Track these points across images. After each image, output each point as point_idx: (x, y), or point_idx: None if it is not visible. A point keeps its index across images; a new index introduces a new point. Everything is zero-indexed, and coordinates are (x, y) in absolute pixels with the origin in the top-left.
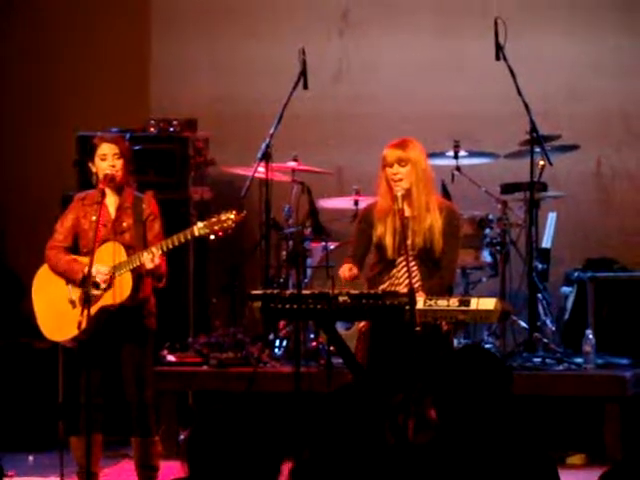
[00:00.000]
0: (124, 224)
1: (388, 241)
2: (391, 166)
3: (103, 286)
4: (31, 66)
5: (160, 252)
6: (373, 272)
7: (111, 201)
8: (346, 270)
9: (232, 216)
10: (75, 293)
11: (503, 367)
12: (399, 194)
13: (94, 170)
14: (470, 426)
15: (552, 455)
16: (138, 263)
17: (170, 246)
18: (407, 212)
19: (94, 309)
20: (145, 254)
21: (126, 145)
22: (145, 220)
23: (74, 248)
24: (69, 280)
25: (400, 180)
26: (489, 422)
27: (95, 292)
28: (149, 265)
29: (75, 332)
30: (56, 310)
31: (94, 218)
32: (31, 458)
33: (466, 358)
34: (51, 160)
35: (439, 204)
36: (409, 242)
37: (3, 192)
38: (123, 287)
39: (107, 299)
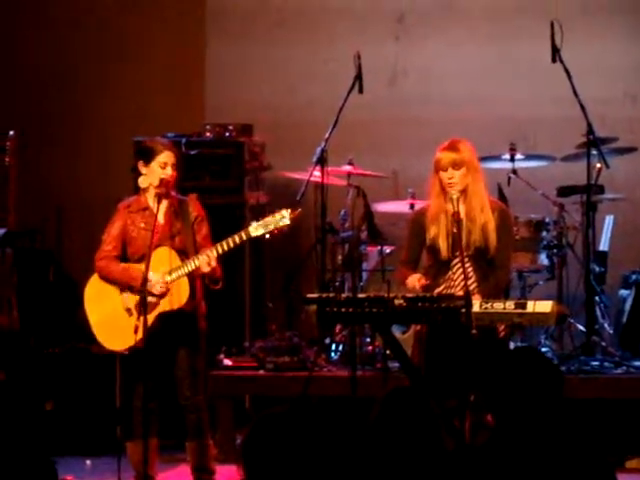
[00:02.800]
0: (174, 228)
1: (442, 242)
2: (445, 170)
3: (158, 292)
4: (89, 70)
5: (216, 255)
6: (427, 276)
7: (157, 207)
8: (416, 280)
9: (286, 214)
10: (131, 301)
11: (554, 369)
12: (454, 196)
13: (144, 172)
14: (523, 428)
15: (610, 459)
16: (193, 267)
17: (225, 248)
18: (461, 213)
19: (152, 316)
20: (201, 257)
21: (179, 155)
22: (193, 223)
23: (122, 257)
24: (125, 288)
25: (455, 183)
26: (541, 424)
27: (151, 299)
28: (206, 268)
29: (133, 340)
30: (113, 320)
31: (142, 225)
32: (89, 462)
33: (518, 360)
34: (107, 166)
35: (491, 204)
36: (464, 242)
37: (60, 198)
38: (181, 292)
39: (165, 305)
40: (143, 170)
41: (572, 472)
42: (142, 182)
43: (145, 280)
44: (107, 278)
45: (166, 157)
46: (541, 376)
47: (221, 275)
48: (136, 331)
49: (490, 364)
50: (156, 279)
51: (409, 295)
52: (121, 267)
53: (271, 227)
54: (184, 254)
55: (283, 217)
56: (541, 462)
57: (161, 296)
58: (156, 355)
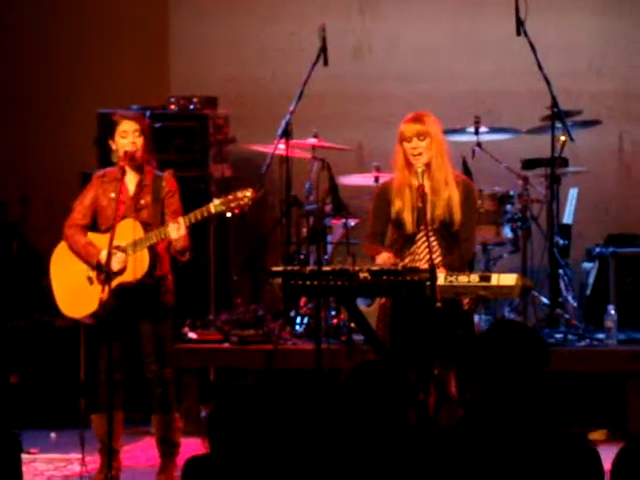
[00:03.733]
0: (142, 201)
1: (407, 216)
2: (410, 140)
3: (117, 269)
4: (50, 45)
5: (186, 223)
6: (393, 249)
7: (130, 179)
8: (386, 259)
9: (249, 194)
10: (92, 270)
11: (541, 343)
12: (419, 170)
13: (114, 147)
14: (505, 405)
15: (575, 431)
16: (157, 239)
17: (187, 223)
18: (425, 187)
19: (112, 285)
20: (171, 224)
21: (146, 123)
22: (163, 198)
23: (92, 225)
24: (85, 262)
25: (420, 154)
26: (525, 401)
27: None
28: (174, 235)
29: (94, 308)
30: (74, 287)
31: (113, 195)
32: (53, 435)
33: (502, 334)
34: (71, 138)
35: (455, 178)
36: (429, 216)
37: (23, 170)
38: (142, 263)
39: (125, 275)
40: (113, 146)
41: (551, 452)
42: (114, 157)
43: (109, 249)
44: (71, 247)
45: (125, 125)
46: (528, 351)
47: (189, 245)
48: (100, 301)
49: (460, 338)
50: (117, 257)
51: (374, 268)
52: (84, 241)
53: (232, 205)
54: (149, 227)
55: (245, 196)
56: (518, 440)
57: (121, 273)
58: (119, 327)
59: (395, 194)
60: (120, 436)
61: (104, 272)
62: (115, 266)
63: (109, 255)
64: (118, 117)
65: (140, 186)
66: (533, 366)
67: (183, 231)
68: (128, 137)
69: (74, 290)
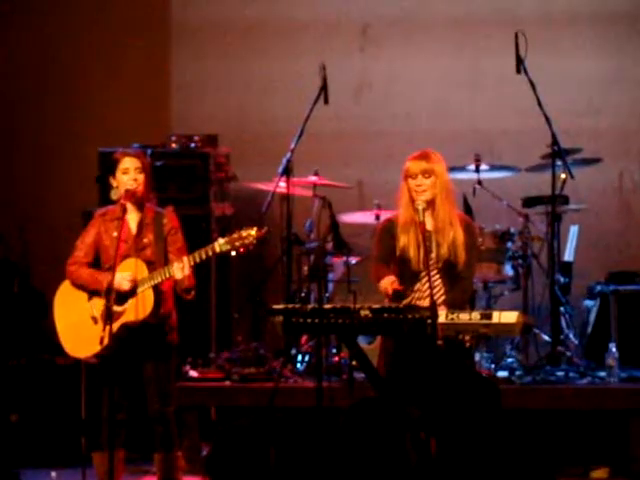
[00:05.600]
0: (145, 240)
1: (412, 253)
2: (414, 177)
3: (127, 288)
4: (52, 83)
5: (190, 263)
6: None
7: (132, 217)
8: (389, 283)
9: (253, 232)
10: (97, 310)
11: (488, 383)
12: (420, 207)
13: (115, 185)
14: (464, 441)
15: (576, 470)
16: (162, 278)
17: (192, 263)
18: (429, 225)
19: (116, 325)
20: (176, 264)
21: (147, 160)
22: (166, 235)
23: (95, 264)
24: (92, 293)
25: (424, 191)
26: (481, 436)
27: (117, 309)
28: (179, 275)
29: (97, 348)
30: (78, 327)
31: (115, 234)
32: (54, 474)
33: (453, 377)
34: (72, 177)
35: (459, 217)
36: (433, 255)
37: (25, 209)
38: (145, 303)
39: (129, 315)
40: (113, 183)
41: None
42: (113, 194)
43: (111, 290)
44: (76, 283)
45: (126, 162)
46: (477, 390)
47: (194, 284)
48: (100, 341)
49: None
50: (122, 276)
51: (375, 306)
52: (89, 271)
53: (237, 244)
54: (153, 266)
55: (250, 235)
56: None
57: (129, 296)
58: (122, 366)
59: (400, 231)
60: (121, 475)
61: (108, 307)
62: (125, 285)
63: (112, 294)
64: (119, 155)
65: (142, 224)
66: (484, 405)
67: (187, 271)
68: (129, 174)
69: (78, 330)
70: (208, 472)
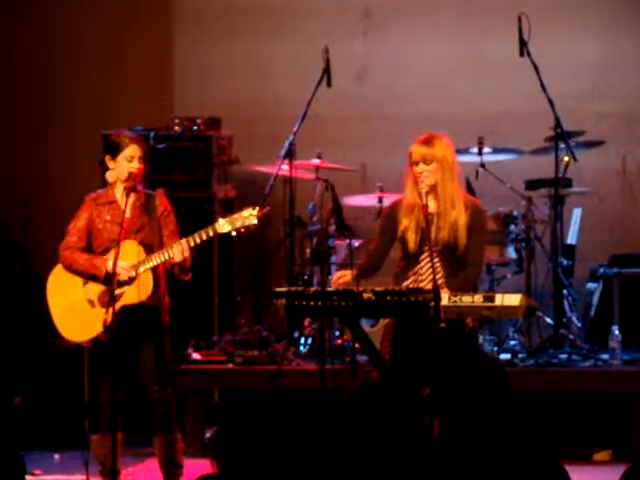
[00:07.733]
0: (140, 222)
1: (410, 235)
2: (416, 164)
3: (126, 278)
4: (56, 66)
5: (190, 245)
6: (398, 268)
7: (125, 200)
8: (335, 278)
9: (254, 212)
10: (94, 293)
11: (496, 365)
12: (424, 191)
13: (111, 166)
14: (470, 423)
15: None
16: (165, 257)
17: (192, 244)
18: (432, 208)
19: (117, 307)
20: (175, 246)
21: (147, 148)
22: (159, 217)
23: (87, 248)
24: (90, 278)
25: (426, 177)
26: (487, 419)
27: (117, 291)
28: (179, 257)
29: (98, 331)
30: (74, 311)
31: (108, 217)
32: (57, 456)
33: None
34: (75, 158)
35: (464, 201)
36: (432, 237)
37: (26, 192)
38: (146, 285)
39: (131, 297)
40: (110, 164)
41: (520, 466)
42: (110, 176)
43: (114, 271)
44: (71, 268)
45: (132, 150)
46: (483, 372)
47: (191, 265)
48: (104, 323)
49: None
50: (124, 265)
51: (378, 289)
52: (85, 257)
53: (238, 224)
54: (149, 248)
55: (251, 215)
56: (489, 456)
57: (127, 284)
58: (120, 349)
59: (403, 213)
60: (120, 457)
61: (111, 290)
62: (123, 275)
63: (114, 275)
64: (126, 140)
65: (136, 207)
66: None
67: (187, 253)
68: (134, 162)
69: (75, 314)
70: (214, 454)
